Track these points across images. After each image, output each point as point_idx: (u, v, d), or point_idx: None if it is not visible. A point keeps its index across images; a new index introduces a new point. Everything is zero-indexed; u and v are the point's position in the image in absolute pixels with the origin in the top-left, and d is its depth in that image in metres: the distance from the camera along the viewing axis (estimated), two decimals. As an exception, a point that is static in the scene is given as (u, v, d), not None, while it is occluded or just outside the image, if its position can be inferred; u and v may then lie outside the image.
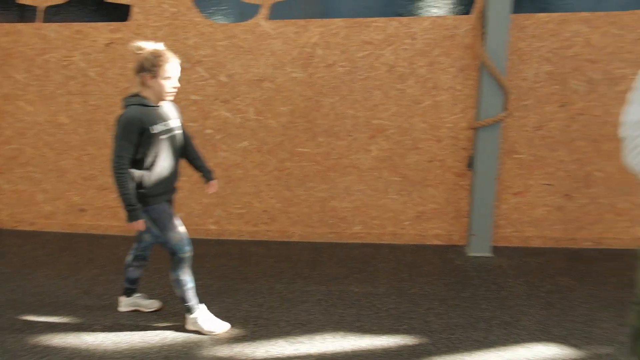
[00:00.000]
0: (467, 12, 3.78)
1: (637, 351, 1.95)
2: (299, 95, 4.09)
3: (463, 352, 2.80)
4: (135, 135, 2.59)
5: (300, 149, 4.19)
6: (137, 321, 3.11)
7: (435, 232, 4.25)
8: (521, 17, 3.71)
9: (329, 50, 3.97)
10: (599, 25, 3.69)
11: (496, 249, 4.11)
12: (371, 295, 3.43)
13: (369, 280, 3.64)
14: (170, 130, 2.75)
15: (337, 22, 3.90)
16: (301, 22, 3.94)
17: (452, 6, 3.79)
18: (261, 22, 3.99)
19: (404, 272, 3.78)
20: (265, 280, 3.66)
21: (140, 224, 2.69)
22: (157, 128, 2.66)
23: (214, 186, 3.07)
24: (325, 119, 4.10)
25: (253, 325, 3.08)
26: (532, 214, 4.11)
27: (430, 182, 4.15)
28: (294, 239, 4.38)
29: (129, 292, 3.19)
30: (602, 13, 3.67)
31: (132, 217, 2.67)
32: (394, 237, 4.29)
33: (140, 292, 3.29)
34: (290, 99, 4.11)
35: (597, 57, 3.75)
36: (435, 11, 3.81)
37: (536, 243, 4.16)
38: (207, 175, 3.04)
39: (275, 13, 3.96)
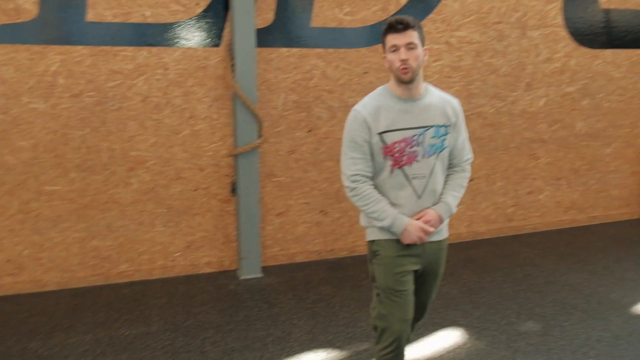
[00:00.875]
0: (217, 45, 3.86)
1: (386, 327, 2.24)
2: (42, 128, 3.63)
3: (240, 375, 2.79)
4: None
5: (49, 187, 3.72)
6: None
7: (206, 259, 4.19)
8: (266, 51, 3.96)
9: (74, 80, 3.62)
10: (332, 60, 4.15)
11: (266, 269, 4.24)
12: (144, 335, 3.20)
13: (140, 320, 3.39)
14: None
15: (80, 50, 3.59)
16: (36, 47, 3.52)
17: (201, 38, 3.83)
18: (-14, 47, 3.44)
19: (178, 305, 3.62)
20: (14, 341, 3.12)
21: None
22: None
23: None
24: (77, 153, 3.72)
25: (-1, 398, 2.58)
26: (295, 231, 4.37)
27: (197, 211, 4.08)
28: (50, 287, 3.84)
29: None
30: (332, 50, 4.14)
31: None
32: (165, 270, 4.10)
33: None
34: (31, 133, 3.62)
35: (333, 87, 4.21)
36: (184, 43, 3.80)
37: (300, 258, 4.42)
38: None
39: (2, 37, 3.45)
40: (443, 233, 2.33)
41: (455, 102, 2.29)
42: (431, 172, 2.21)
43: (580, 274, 4.11)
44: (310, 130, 4.23)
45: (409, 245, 2.23)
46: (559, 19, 4.75)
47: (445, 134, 2.23)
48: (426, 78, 4.50)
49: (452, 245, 4.82)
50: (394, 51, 2.09)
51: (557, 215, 5.23)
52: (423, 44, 2.14)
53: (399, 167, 2.18)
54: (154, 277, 4.07)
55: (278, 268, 4.29)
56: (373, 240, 2.30)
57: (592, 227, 5.27)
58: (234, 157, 4.00)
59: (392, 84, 2.20)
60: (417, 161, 2.18)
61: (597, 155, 5.23)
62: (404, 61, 2.07)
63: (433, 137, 2.19)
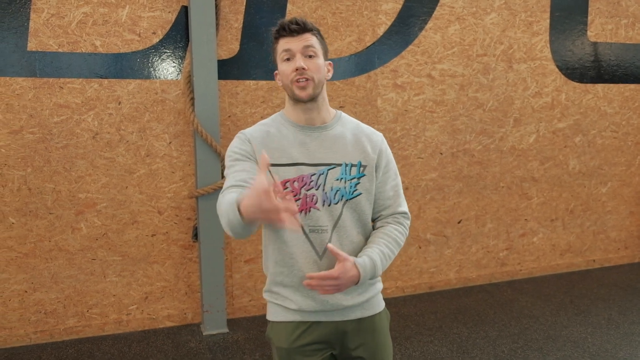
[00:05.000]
0: (176, 77, 3.39)
1: None
2: (-23, 169, 3.12)
3: None
4: None
5: (-15, 235, 3.17)
6: None
7: (166, 312, 3.60)
8: (231, 83, 3.48)
9: (13, 114, 3.13)
10: (305, 93, 3.67)
11: (233, 322, 3.64)
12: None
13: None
14: None
15: (21, 82, 3.12)
16: (-28, 80, 3.05)
17: (158, 70, 3.36)
18: None
19: (124, 369, 3.01)
20: None
21: None
22: None
23: None
24: (16, 196, 3.19)
25: None
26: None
27: (155, 259, 3.52)
28: (-17, 348, 3.24)
29: None
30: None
31: None
32: (119, 325, 3.50)
33: None
34: (-35, 174, 3.11)
35: (307, 123, 3.71)
36: (140, 74, 3.31)
37: (273, 309, 3.81)
38: None
39: None
40: (374, 306, 1.65)
41: (378, 137, 1.66)
42: (335, 225, 1.57)
43: (583, 327, 3.50)
44: (281, 169, 3.70)
45: (311, 327, 1.58)
46: (547, 52, 4.31)
47: (359, 177, 1.59)
48: (407, 113, 4.03)
49: (440, 294, 4.27)
50: (287, 60, 1.52)
51: (553, 259, 4.65)
52: (326, 57, 1.59)
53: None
54: (105, 334, 3.47)
55: (247, 321, 3.69)
56: (269, 321, 1.69)
57: (591, 271, 4.68)
58: (196, 199, 3.46)
59: (287, 108, 1.62)
60: (316, 209, 1.56)
61: (593, 195, 4.70)
62: (300, 70, 1.49)
63: (339, 178, 1.57)
